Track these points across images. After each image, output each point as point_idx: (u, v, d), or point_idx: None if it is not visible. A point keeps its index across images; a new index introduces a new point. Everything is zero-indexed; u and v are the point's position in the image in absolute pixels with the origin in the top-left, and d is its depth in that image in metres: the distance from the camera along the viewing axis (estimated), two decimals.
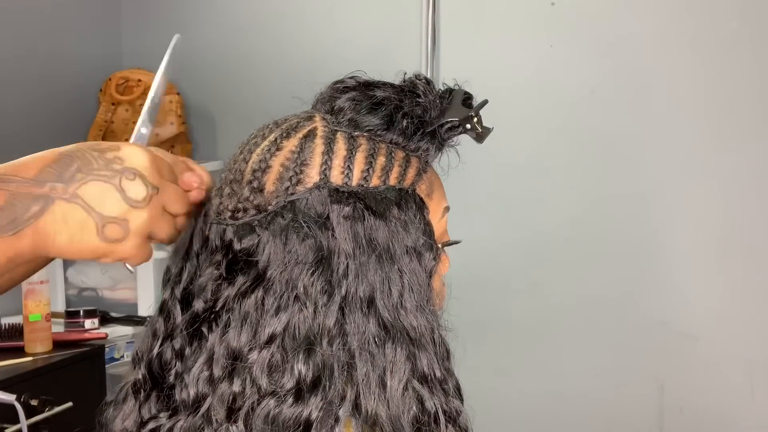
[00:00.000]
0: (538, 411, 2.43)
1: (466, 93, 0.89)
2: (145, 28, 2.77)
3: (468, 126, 0.87)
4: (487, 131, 0.88)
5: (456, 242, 0.92)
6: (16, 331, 2.12)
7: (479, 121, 0.88)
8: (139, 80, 2.61)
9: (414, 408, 0.79)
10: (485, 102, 0.90)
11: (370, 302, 0.80)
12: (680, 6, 2.23)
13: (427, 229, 0.84)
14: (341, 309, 0.79)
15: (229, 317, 0.81)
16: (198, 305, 0.83)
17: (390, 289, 0.80)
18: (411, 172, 0.85)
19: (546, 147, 2.37)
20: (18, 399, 1.74)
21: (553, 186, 2.38)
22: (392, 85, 0.88)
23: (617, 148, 2.31)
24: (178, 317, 0.84)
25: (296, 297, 0.79)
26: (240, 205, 0.83)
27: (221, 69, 2.70)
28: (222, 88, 2.71)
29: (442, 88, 0.89)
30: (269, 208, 0.81)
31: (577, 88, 2.33)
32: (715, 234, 2.24)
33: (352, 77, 0.89)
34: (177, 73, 0.96)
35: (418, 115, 0.86)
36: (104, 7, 2.74)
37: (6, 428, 1.77)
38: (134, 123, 2.91)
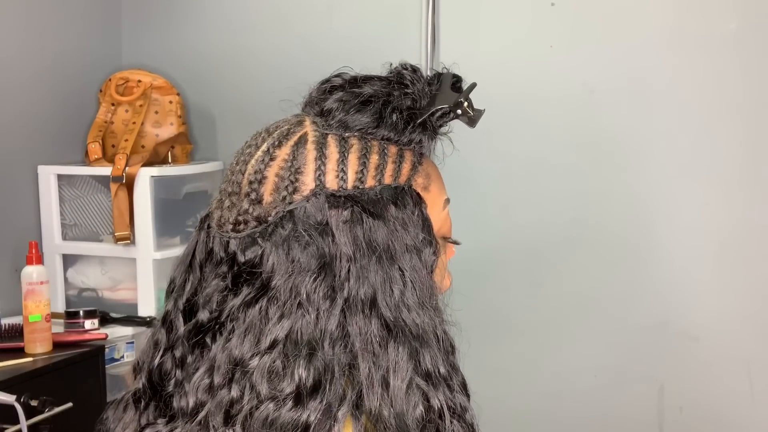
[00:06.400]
0: (537, 411, 2.42)
1: (455, 76, 0.88)
2: (145, 28, 2.77)
3: (459, 111, 0.85)
4: (479, 114, 0.86)
5: (456, 242, 0.92)
6: (16, 332, 2.11)
7: (470, 105, 0.86)
8: (139, 80, 2.60)
9: (419, 406, 0.79)
10: (474, 85, 0.87)
11: (372, 303, 0.80)
12: (680, 6, 2.23)
13: (426, 225, 0.84)
14: (343, 312, 0.79)
15: (233, 326, 0.81)
16: (203, 315, 0.83)
17: (391, 288, 0.80)
18: (406, 167, 0.84)
19: (546, 147, 2.37)
20: (18, 399, 1.73)
21: (553, 186, 2.38)
22: (379, 78, 0.87)
23: (617, 148, 2.31)
24: (181, 328, 0.85)
25: (299, 304, 0.79)
26: (240, 218, 0.83)
27: (221, 69, 2.69)
28: (222, 88, 2.70)
29: (430, 74, 0.88)
30: (269, 219, 0.81)
31: (577, 89, 2.32)
32: (715, 234, 2.24)
33: (338, 75, 0.88)
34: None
35: (407, 107, 0.85)
36: (104, 7, 2.73)
37: (6, 428, 1.77)
38: (134, 123, 2.89)
